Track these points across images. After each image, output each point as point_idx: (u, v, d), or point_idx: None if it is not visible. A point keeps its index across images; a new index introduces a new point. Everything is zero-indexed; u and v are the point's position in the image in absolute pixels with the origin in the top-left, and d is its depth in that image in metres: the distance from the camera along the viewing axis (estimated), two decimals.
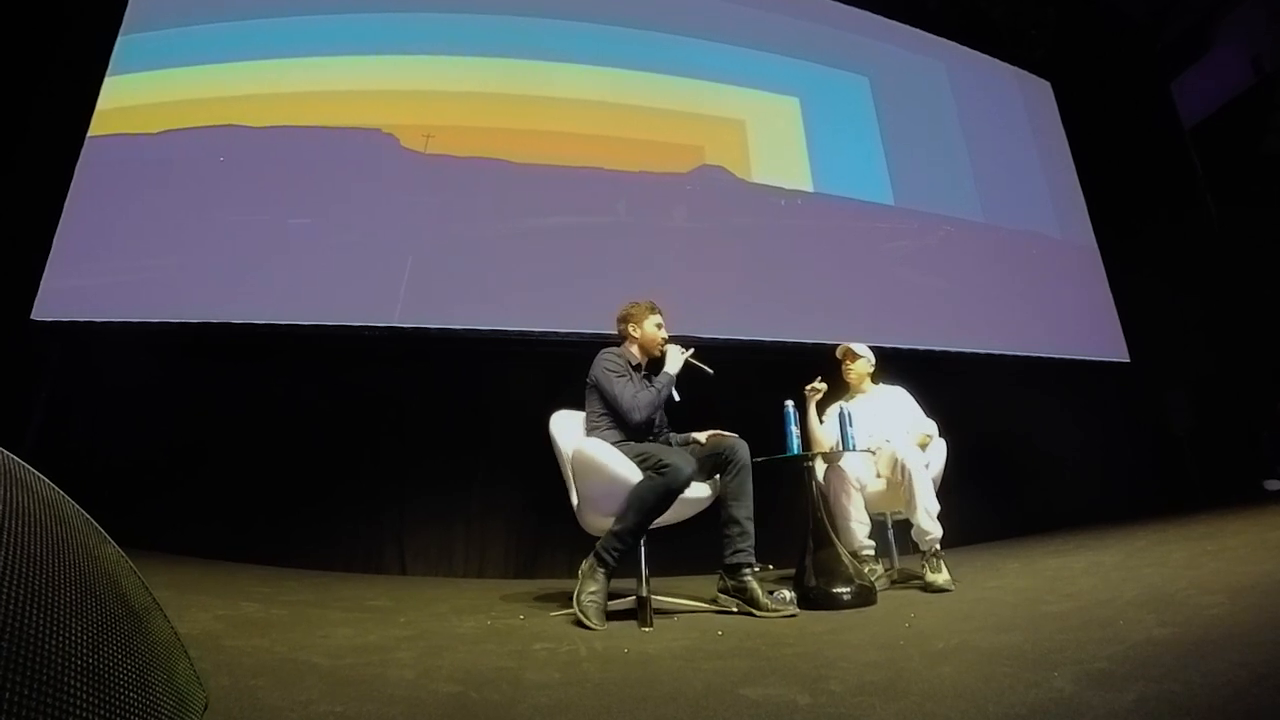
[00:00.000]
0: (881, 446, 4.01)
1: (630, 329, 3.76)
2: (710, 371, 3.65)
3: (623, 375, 3.54)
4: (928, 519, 3.62)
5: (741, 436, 3.45)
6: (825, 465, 3.88)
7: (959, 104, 7.90)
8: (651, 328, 3.74)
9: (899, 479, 3.74)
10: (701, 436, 3.65)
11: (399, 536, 4.87)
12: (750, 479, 3.30)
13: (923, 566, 3.59)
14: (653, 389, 3.52)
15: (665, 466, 3.09)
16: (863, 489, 3.86)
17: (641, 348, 3.75)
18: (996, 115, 8.23)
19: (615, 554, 3.06)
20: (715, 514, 3.33)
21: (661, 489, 3.07)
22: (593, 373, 3.59)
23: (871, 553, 3.82)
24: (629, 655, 2.29)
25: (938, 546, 3.61)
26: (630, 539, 3.10)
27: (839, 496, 3.80)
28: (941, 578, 3.47)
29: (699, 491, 3.34)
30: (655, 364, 3.73)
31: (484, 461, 5.12)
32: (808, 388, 4.10)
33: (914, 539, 3.69)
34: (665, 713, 1.64)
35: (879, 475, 3.97)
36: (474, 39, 6.09)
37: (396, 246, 5.36)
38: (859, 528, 3.78)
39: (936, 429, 4.16)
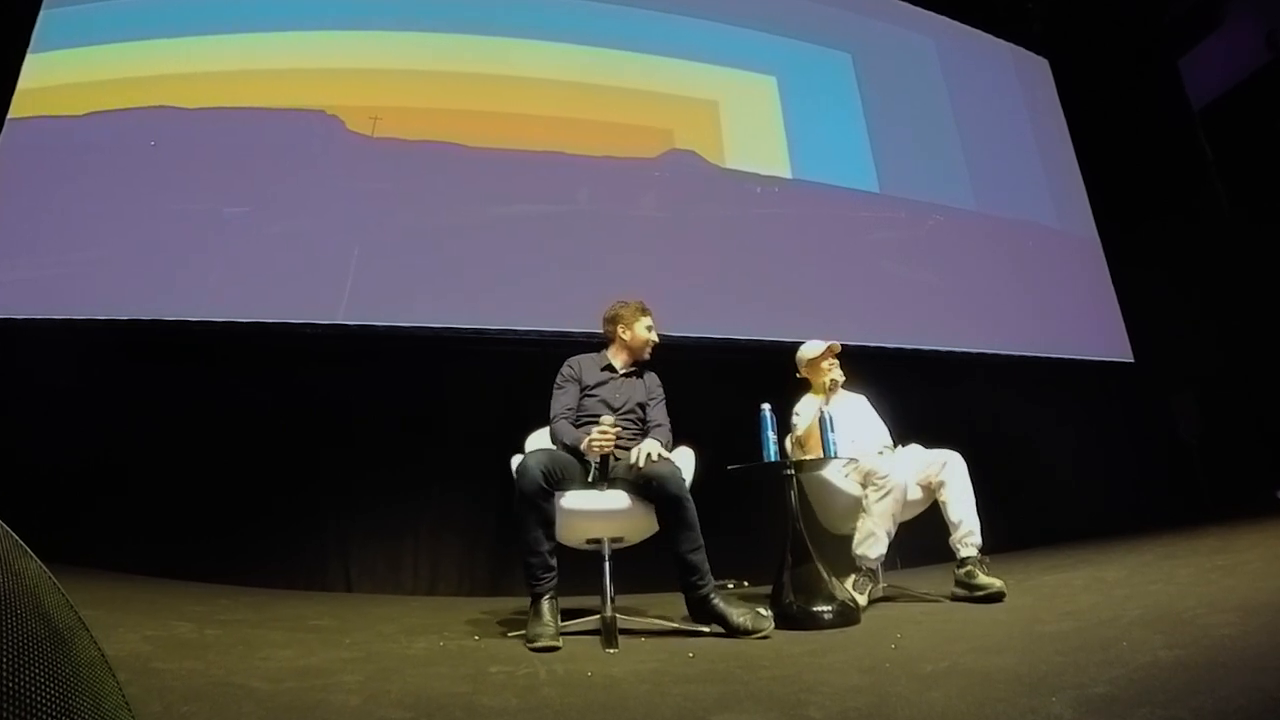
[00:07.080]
0: (883, 453, 4.06)
1: (620, 331, 3.80)
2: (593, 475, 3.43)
3: (562, 387, 3.66)
4: (976, 520, 3.69)
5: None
6: (867, 464, 3.81)
7: (949, 83, 7.93)
8: (642, 330, 3.80)
9: (943, 481, 3.79)
10: (638, 457, 3.24)
11: (344, 551, 4.87)
12: (688, 508, 3.16)
13: (975, 569, 3.58)
14: (572, 434, 3.43)
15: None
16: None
17: (630, 351, 3.80)
18: (990, 95, 8.28)
19: (530, 576, 3.07)
20: None
21: (516, 495, 3.10)
22: None
23: (876, 568, 3.84)
24: (592, 679, 2.31)
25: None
26: (530, 557, 3.08)
27: (887, 502, 3.70)
28: (998, 582, 3.48)
29: (639, 518, 3.29)
30: (642, 366, 3.82)
31: (437, 470, 5.13)
32: (829, 379, 4.13)
33: (959, 543, 3.68)
34: None
35: None
36: (425, 13, 6.09)
37: (341, 237, 5.35)
38: (885, 539, 3.74)
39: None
